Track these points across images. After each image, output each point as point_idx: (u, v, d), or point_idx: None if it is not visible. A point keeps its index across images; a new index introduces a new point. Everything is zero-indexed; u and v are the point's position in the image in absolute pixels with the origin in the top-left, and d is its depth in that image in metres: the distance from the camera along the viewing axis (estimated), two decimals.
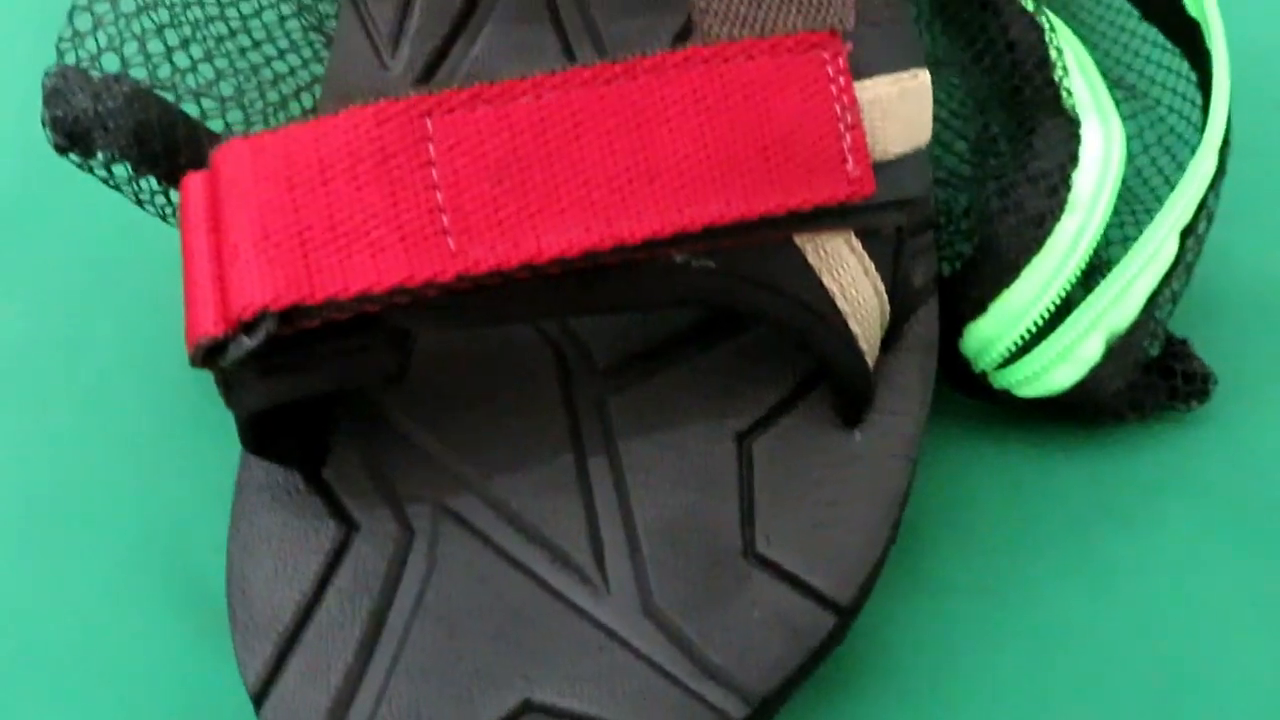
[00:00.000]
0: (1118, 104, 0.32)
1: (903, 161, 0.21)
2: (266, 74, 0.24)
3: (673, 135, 0.19)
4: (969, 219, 0.25)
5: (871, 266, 0.21)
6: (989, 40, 0.31)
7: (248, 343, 0.18)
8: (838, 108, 0.20)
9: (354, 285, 0.18)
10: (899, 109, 0.20)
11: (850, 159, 0.20)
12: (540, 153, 0.18)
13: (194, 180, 0.19)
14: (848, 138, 0.20)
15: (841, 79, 0.20)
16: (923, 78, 0.21)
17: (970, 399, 0.26)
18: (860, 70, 0.20)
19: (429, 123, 0.18)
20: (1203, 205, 0.25)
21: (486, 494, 0.21)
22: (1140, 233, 0.28)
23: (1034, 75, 0.29)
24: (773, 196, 0.19)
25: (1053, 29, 0.30)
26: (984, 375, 0.25)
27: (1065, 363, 0.24)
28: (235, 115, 0.24)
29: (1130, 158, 0.30)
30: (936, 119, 0.30)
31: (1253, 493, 0.25)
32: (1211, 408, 0.26)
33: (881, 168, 0.20)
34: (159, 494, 0.25)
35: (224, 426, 0.25)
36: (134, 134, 0.20)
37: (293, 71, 0.25)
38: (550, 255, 0.18)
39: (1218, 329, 0.28)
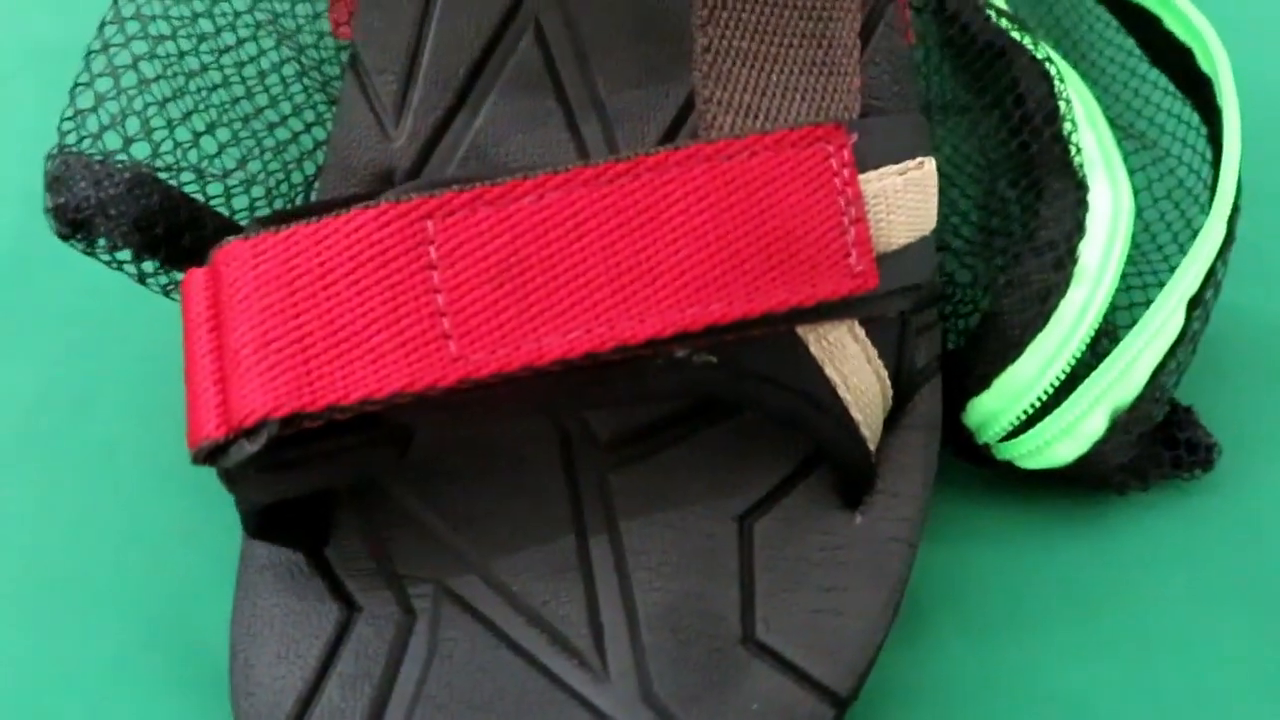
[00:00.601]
0: (1126, 157, 0.31)
1: (908, 250, 0.21)
2: (270, 141, 0.24)
3: (675, 235, 0.19)
4: (974, 289, 0.25)
5: (874, 354, 0.21)
6: (999, 90, 0.30)
7: (249, 447, 0.18)
8: (842, 201, 0.20)
9: (355, 392, 0.18)
10: (904, 200, 0.20)
11: (854, 254, 0.20)
12: (542, 254, 0.18)
13: (196, 277, 0.19)
14: (852, 232, 0.20)
15: (846, 172, 0.20)
16: (929, 166, 0.21)
17: (973, 466, 0.26)
18: (865, 161, 0.20)
19: (430, 225, 0.18)
20: (1211, 274, 0.25)
21: (488, 575, 0.21)
22: (1148, 295, 0.28)
23: (1042, 130, 0.29)
24: (775, 294, 0.19)
25: (1062, 79, 0.29)
26: (987, 447, 0.25)
27: (1069, 438, 0.24)
28: (241, 201, 0.24)
29: (1139, 212, 0.30)
30: (943, 173, 0.30)
31: (1256, 564, 0.25)
32: (1215, 474, 0.26)
33: (886, 259, 0.20)
34: (164, 565, 0.25)
35: (229, 497, 0.26)
36: (136, 221, 0.20)
37: (296, 138, 0.25)
38: (551, 358, 0.18)
39: (1222, 391, 0.28)
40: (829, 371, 0.20)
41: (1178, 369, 0.25)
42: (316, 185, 0.24)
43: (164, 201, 0.21)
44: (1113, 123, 0.32)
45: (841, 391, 0.21)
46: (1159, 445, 0.26)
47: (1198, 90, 0.30)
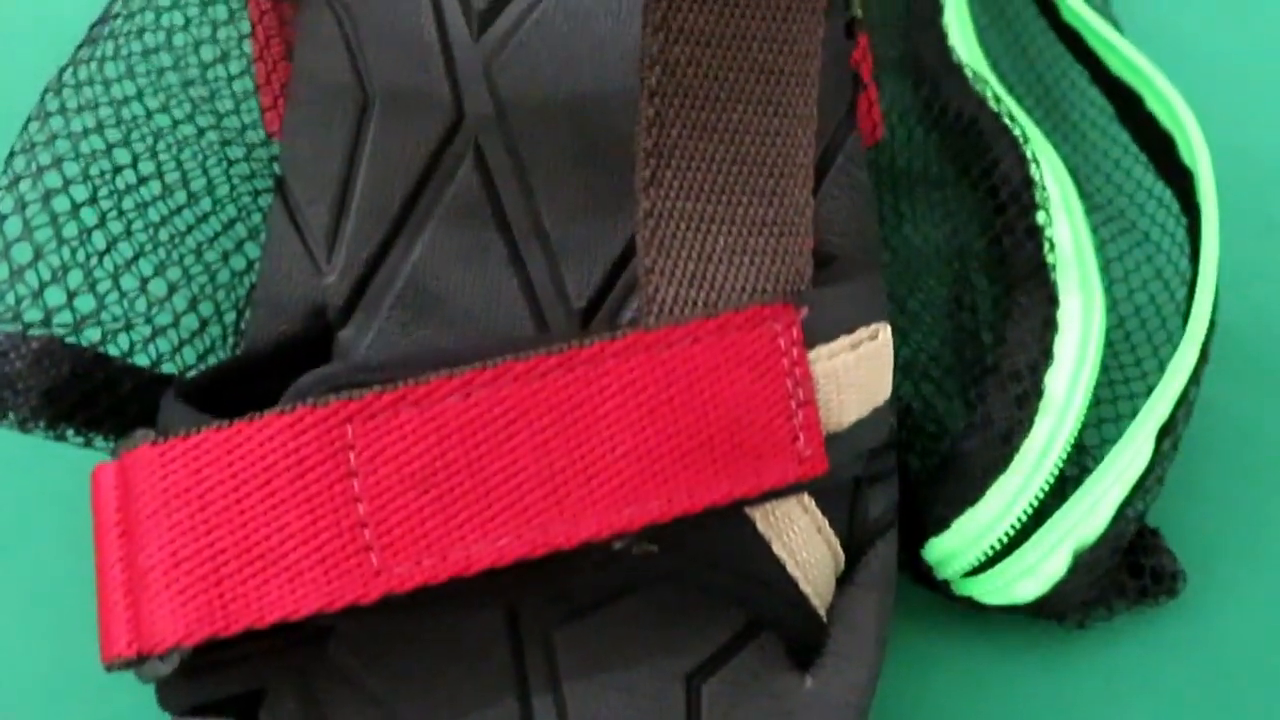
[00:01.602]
0: (1101, 246, 0.30)
1: (859, 424, 0.20)
2: (201, 277, 0.23)
3: (611, 431, 0.18)
4: (934, 422, 0.24)
5: (824, 522, 0.20)
6: (974, 170, 0.29)
7: (161, 668, 0.17)
8: (789, 383, 0.19)
9: (271, 614, 0.17)
10: (856, 375, 0.19)
11: (802, 437, 0.19)
12: (469, 457, 0.17)
13: (105, 476, 0.18)
14: (800, 415, 0.19)
15: (794, 351, 0.19)
16: (883, 335, 0.20)
17: (932, 593, 0.25)
18: (815, 335, 0.19)
19: (350, 430, 0.17)
20: (1183, 399, 0.24)
21: None
22: (1117, 409, 0.27)
23: (1016, 224, 0.28)
24: (719, 486, 0.18)
25: (1038, 161, 0.28)
26: (946, 583, 0.24)
27: (1030, 577, 0.23)
28: (163, 344, 0.22)
29: (1112, 305, 0.29)
30: (912, 261, 0.29)
31: (1218, 693, 0.25)
32: (1179, 600, 0.26)
33: (836, 438, 0.19)
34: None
35: None
36: (46, 394, 0.19)
37: (213, 274, 0.23)
38: (480, 567, 0.17)
39: (1186, 512, 0.27)
40: (777, 549, 0.20)
41: (1145, 503, 0.24)
42: (246, 317, 0.23)
43: (75, 368, 0.19)
44: (1089, 200, 0.31)
45: (791, 568, 0.20)
46: (1124, 573, 0.25)
47: (1178, 180, 0.28)
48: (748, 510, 0.19)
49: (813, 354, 0.19)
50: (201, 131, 0.24)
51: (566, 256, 0.22)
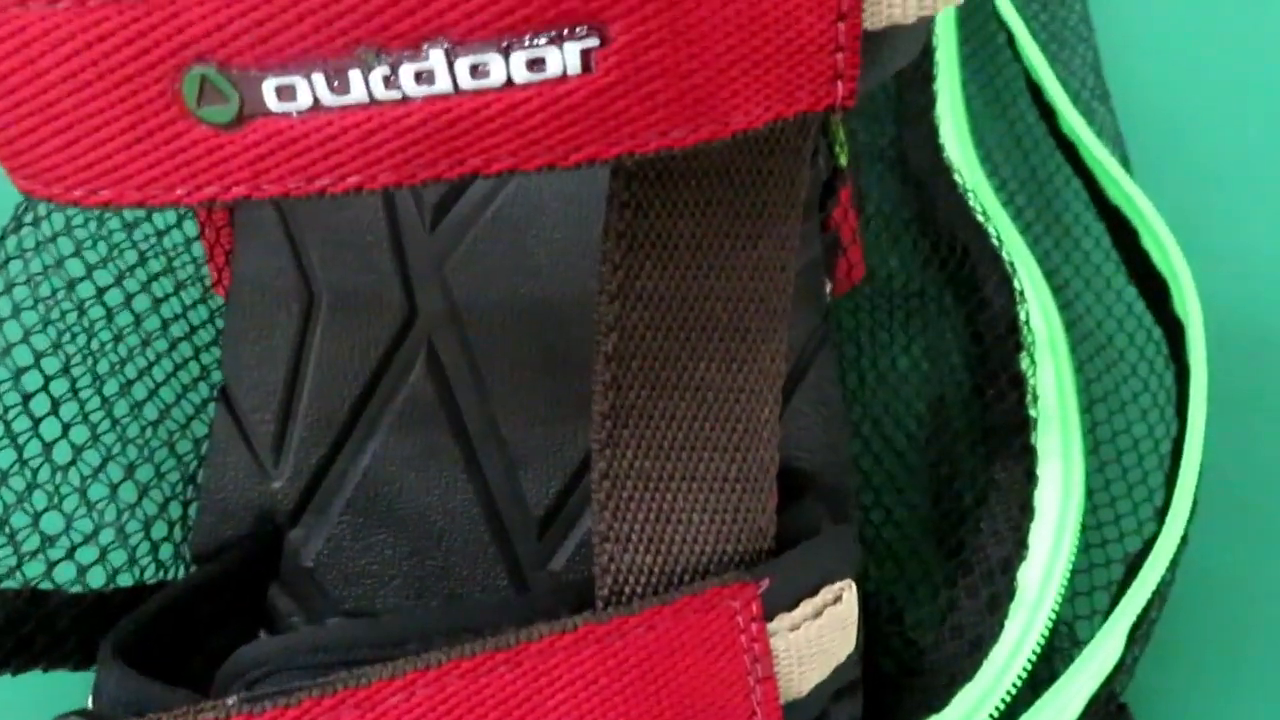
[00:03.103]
0: (1083, 388, 0.29)
1: (820, 686, 0.19)
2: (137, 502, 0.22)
3: None
4: (899, 635, 0.24)
5: None
6: (964, 312, 0.28)
7: None
8: (748, 660, 0.18)
9: None
10: (819, 644, 0.18)
11: (759, 712, 0.18)
12: None
13: None
14: (758, 691, 0.18)
15: (754, 627, 0.18)
16: (848, 597, 0.19)
17: None
18: (777, 604, 0.18)
19: None
20: (1159, 591, 0.24)
21: None
22: (1092, 579, 0.26)
23: (999, 373, 0.27)
24: None
25: (1025, 298, 0.27)
26: None
27: None
28: (97, 576, 0.21)
29: (1092, 449, 0.28)
30: (887, 398, 0.28)
31: None
32: None
33: (795, 705, 0.19)
34: None
35: None
36: None
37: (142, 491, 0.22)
38: None
39: (1161, 680, 0.26)
40: None
41: (1117, 688, 0.24)
42: (191, 523, 0.22)
43: (7, 617, 0.19)
44: (1077, 327, 0.30)
45: None
46: None
47: (1168, 324, 0.27)
48: None
49: (773, 625, 0.18)
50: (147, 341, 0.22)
51: (524, 463, 0.21)
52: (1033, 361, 0.27)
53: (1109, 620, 0.23)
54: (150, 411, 0.22)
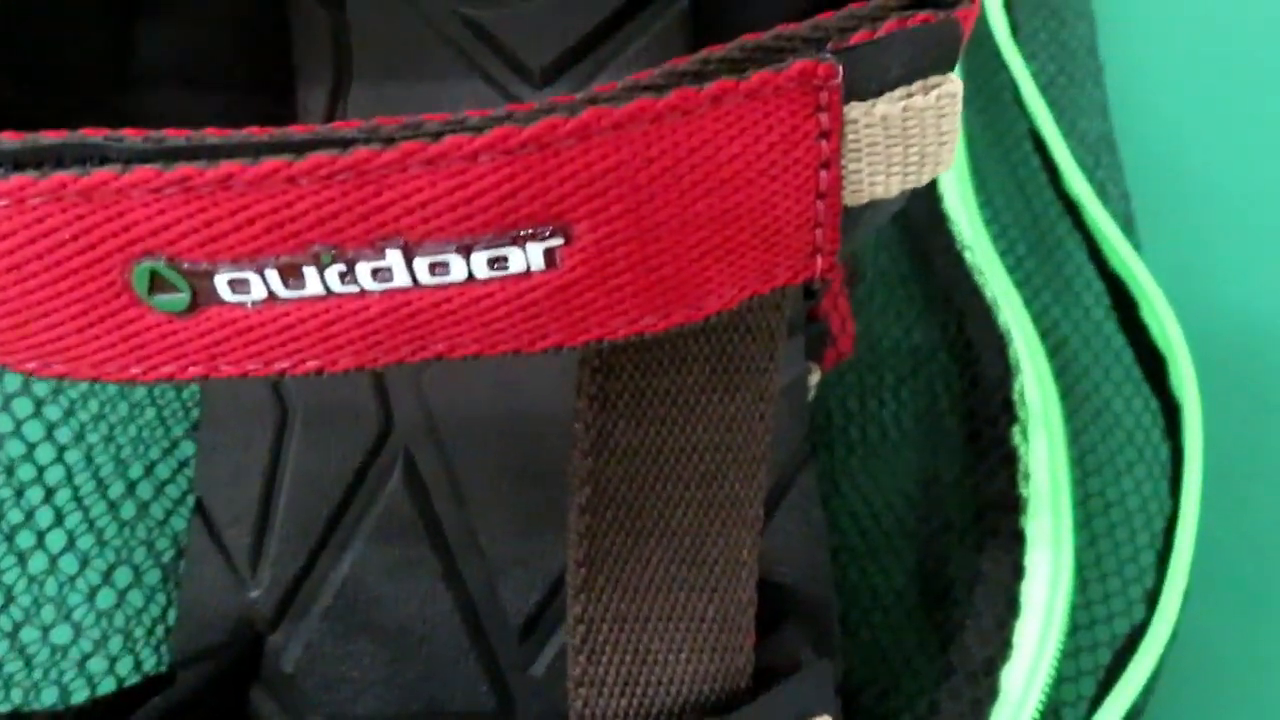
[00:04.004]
0: (1076, 462, 0.29)
1: None
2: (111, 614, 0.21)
3: None
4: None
5: None
6: (959, 386, 0.27)
7: None
8: None
9: None
10: None
11: None
12: None
13: None
14: None
15: None
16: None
17: None
18: None
19: None
20: (1146, 688, 0.23)
21: None
22: (1079, 665, 0.26)
23: (991, 452, 0.26)
24: None
25: (1019, 370, 0.27)
26: None
27: None
28: (80, 689, 0.21)
29: (1083, 524, 0.28)
30: (875, 472, 0.28)
31: None
32: None
33: None
34: None
35: None
36: None
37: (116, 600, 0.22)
38: None
39: None
40: None
41: None
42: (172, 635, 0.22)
43: None
44: (1073, 394, 0.30)
45: None
46: None
47: (1164, 403, 0.27)
48: None
49: None
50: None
51: (503, 572, 0.21)
52: (1025, 439, 0.26)
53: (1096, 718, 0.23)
54: (128, 510, 0.22)
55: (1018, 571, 0.24)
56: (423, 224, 0.13)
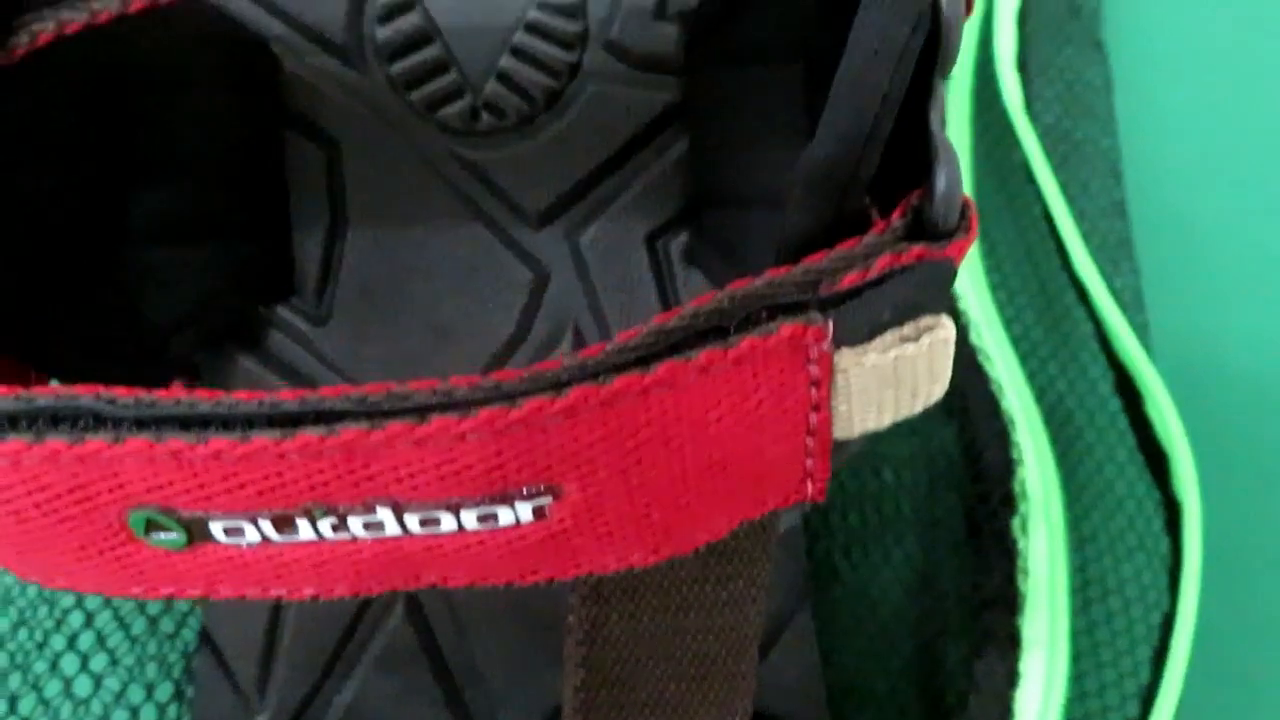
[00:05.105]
0: (1072, 550, 0.28)
1: None
2: None
3: None
4: None
5: None
6: (959, 480, 0.27)
7: None
8: None
9: None
10: None
11: None
12: None
13: None
14: None
15: None
16: None
17: None
18: None
19: None
20: None
21: None
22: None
23: (991, 548, 0.26)
24: None
25: (1022, 462, 0.27)
26: None
27: None
28: None
29: (1085, 606, 0.28)
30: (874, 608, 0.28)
31: None
32: None
33: None
34: None
35: None
36: None
37: None
38: None
39: None
40: None
41: None
42: None
43: None
44: (1075, 479, 0.30)
45: None
46: None
47: (1166, 500, 0.27)
48: None
49: None
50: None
51: (506, 701, 0.22)
52: (1025, 533, 0.27)
53: None
54: (139, 626, 0.23)
55: (1012, 679, 0.24)
56: (412, 491, 0.13)
